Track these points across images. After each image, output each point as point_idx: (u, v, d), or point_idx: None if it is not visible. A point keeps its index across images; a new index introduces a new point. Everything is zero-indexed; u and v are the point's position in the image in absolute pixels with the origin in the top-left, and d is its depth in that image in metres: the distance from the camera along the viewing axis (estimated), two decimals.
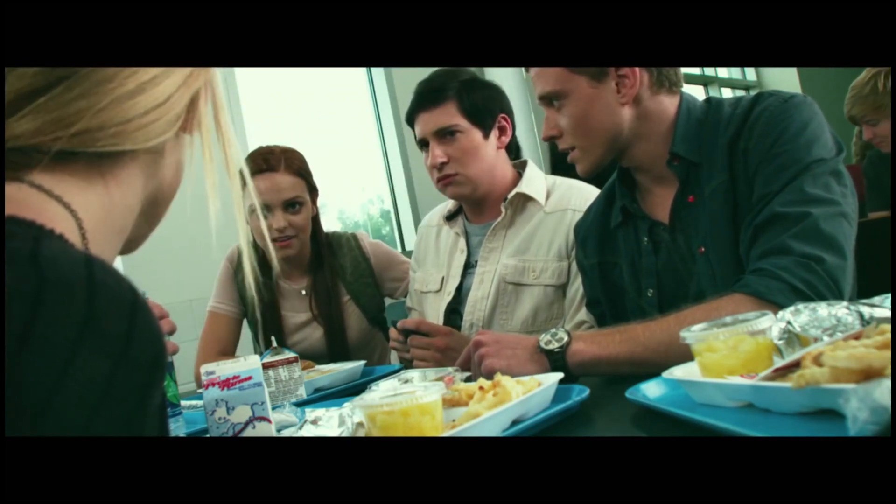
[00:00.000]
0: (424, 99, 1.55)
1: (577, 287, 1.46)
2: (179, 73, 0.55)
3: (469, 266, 1.63)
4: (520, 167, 1.64)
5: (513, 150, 1.64)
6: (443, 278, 1.66)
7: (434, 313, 1.65)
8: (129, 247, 0.62)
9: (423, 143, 1.58)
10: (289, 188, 1.73)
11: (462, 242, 1.65)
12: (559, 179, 1.63)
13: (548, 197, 1.57)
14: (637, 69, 1.12)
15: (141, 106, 0.52)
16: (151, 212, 0.62)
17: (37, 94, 0.48)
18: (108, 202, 0.53)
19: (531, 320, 1.50)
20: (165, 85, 0.54)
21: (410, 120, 1.60)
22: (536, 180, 1.60)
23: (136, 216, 0.59)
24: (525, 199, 1.57)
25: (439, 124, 1.53)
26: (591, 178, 1.33)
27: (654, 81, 1.14)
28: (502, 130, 1.59)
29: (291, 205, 1.74)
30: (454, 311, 1.62)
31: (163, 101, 0.54)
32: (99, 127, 0.50)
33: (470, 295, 1.58)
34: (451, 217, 1.70)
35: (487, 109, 1.56)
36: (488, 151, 1.56)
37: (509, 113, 1.61)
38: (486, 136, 1.56)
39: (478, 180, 1.55)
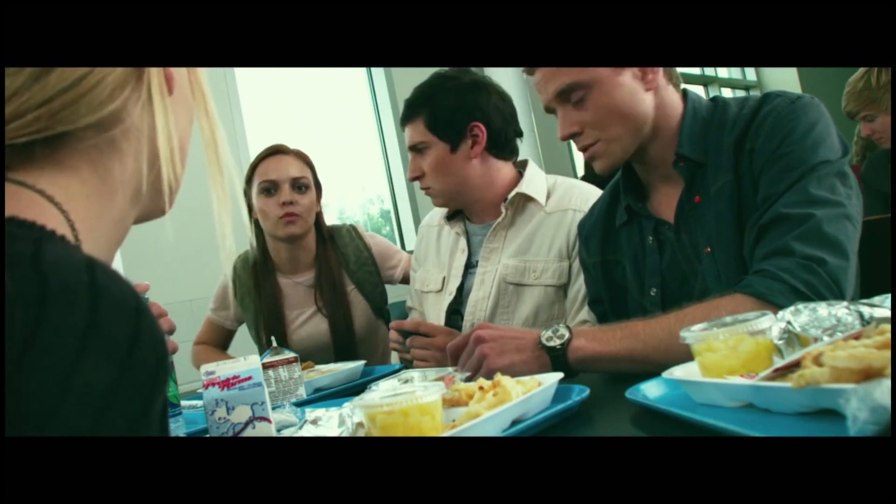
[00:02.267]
0: (403, 115, 1.62)
1: (578, 286, 1.46)
2: None
3: (470, 266, 1.63)
4: (520, 167, 1.64)
5: (500, 150, 1.59)
6: (444, 278, 1.67)
7: (435, 313, 1.65)
8: (146, 218, 0.59)
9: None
10: (296, 168, 1.82)
11: (463, 242, 1.65)
12: (560, 179, 1.63)
13: (548, 197, 1.57)
14: None
15: (57, 82, 0.47)
16: (156, 188, 0.57)
17: None
18: (85, 189, 0.51)
19: (532, 320, 1.50)
20: None
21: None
22: (537, 180, 1.59)
23: (139, 197, 0.56)
24: (525, 200, 1.57)
25: (411, 140, 1.59)
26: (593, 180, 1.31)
27: (666, 71, 1.15)
28: (475, 139, 1.55)
29: (298, 185, 1.82)
30: (455, 312, 1.63)
31: (86, 71, 0.49)
32: (18, 114, 0.46)
33: (471, 295, 1.58)
34: (451, 217, 1.70)
35: (453, 122, 1.54)
36: (457, 164, 1.55)
37: (485, 118, 1.56)
38: (454, 149, 1.55)
39: (448, 194, 1.58)
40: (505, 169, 1.61)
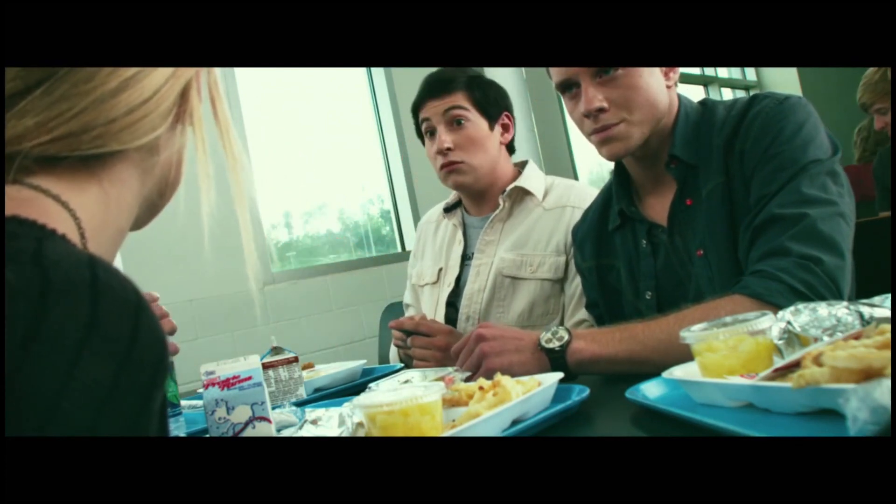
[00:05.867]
0: (435, 88, 1.58)
1: (576, 285, 1.47)
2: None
3: (466, 258, 1.65)
4: (520, 166, 1.67)
5: (512, 150, 1.68)
6: (440, 270, 1.68)
7: (432, 305, 1.66)
8: (132, 229, 0.61)
9: (430, 132, 1.60)
10: None
11: (459, 234, 1.67)
12: (557, 179, 1.66)
13: (546, 195, 1.60)
14: None
15: (124, 104, 0.50)
16: (155, 205, 0.60)
17: (15, 98, 0.46)
18: (105, 201, 0.52)
19: (527, 314, 1.52)
20: (150, 79, 0.52)
21: (417, 108, 1.61)
22: (535, 178, 1.63)
23: (138, 211, 0.58)
24: (523, 194, 1.60)
25: (449, 111, 1.56)
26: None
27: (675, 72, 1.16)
28: (505, 127, 1.62)
29: None
30: (450, 304, 1.64)
31: (149, 96, 0.52)
32: (82, 129, 0.48)
33: (466, 287, 1.60)
34: (449, 209, 1.73)
35: (495, 102, 1.60)
36: (493, 144, 1.59)
37: (512, 113, 1.65)
38: (492, 128, 1.60)
39: (480, 170, 1.58)
40: (509, 166, 1.66)
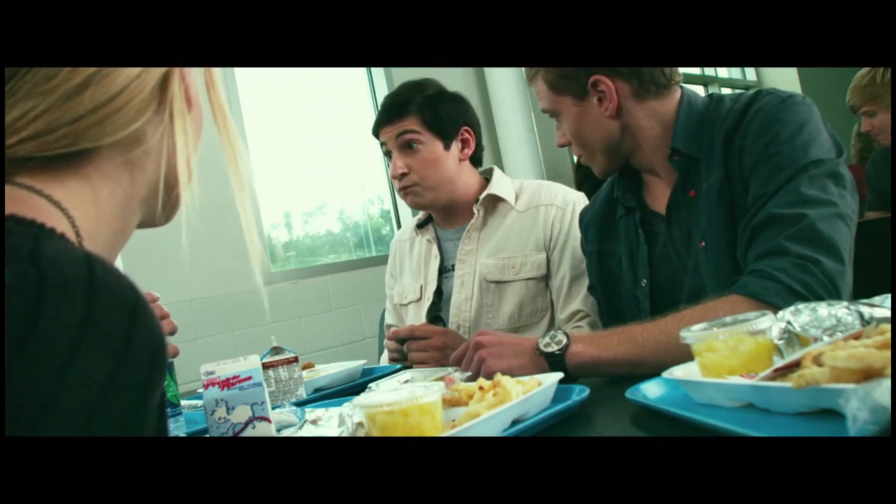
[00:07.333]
0: (389, 112, 1.60)
1: (561, 275, 1.51)
2: None
3: (445, 271, 1.67)
4: (486, 174, 1.70)
5: (477, 162, 1.69)
6: (421, 286, 1.70)
7: (417, 322, 1.66)
8: (145, 226, 0.60)
9: (388, 154, 1.63)
10: None
11: (435, 248, 1.69)
12: (525, 181, 1.69)
13: (517, 198, 1.63)
14: (612, 84, 1.14)
15: (89, 101, 0.49)
16: (166, 199, 0.59)
17: None
18: (96, 199, 0.51)
19: (517, 315, 1.53)
20: (118, 74, 0.50)
21: (376, 133, 1.64)
22: (504, 183, 1.66)
23: (144, 208, 0.57)
24: (496, 201, 1.63)
25: (401, 136, 1.58)
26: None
27: (635, 91, 1.15)
28: (465, 143, 1.63)
29: None
30: (436, 318, 1.65)
31: (117, 91, 0.50)
32: (48, 129, 0.47)
33: (453, 298, 1.61)
34: (421, 225, 1.75)
35: (450, 121, 1.60)
36: (448, 163, 1.60)
37: (474, 126, 1.65)
38: (447, 147, 1.60)
39: (437, 191, 1.60)
40: (474, 178, 1.68)
